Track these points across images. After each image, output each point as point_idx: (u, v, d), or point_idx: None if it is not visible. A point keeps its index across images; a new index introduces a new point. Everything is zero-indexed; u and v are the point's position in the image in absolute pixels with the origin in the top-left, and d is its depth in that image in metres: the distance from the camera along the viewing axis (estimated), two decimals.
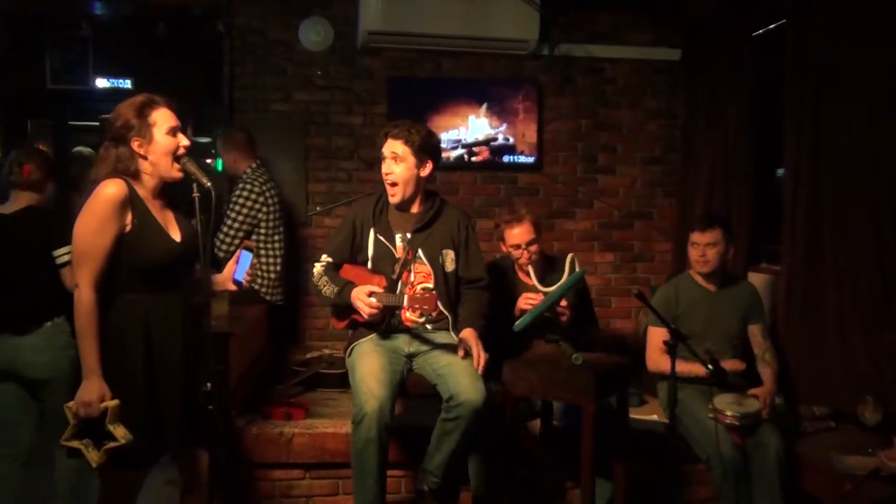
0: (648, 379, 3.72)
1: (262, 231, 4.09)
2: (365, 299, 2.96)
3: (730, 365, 3.32)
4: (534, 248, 3.43)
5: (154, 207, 2.39)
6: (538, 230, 3.48)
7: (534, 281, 3.33)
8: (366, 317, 3.00)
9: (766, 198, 4.39)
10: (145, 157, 2.36)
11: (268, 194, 4.08)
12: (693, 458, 3.38)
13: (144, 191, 2.38)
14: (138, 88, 5.45)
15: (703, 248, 3.43)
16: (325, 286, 3.09)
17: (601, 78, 4.97)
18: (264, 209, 4.06)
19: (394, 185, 3.09)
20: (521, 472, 3.25)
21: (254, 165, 4.16)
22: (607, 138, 5.00)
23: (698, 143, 4.71)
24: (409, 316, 3.12)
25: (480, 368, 2.93)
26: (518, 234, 3.43)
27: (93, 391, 2.22)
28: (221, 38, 4.64)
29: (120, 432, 2.23)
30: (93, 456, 2.26)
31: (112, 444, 2.24)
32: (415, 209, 3.19)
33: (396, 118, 3.34)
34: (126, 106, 2.37)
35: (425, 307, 2.90)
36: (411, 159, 3.07)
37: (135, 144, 2.34)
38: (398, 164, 3.07)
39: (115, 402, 2.24)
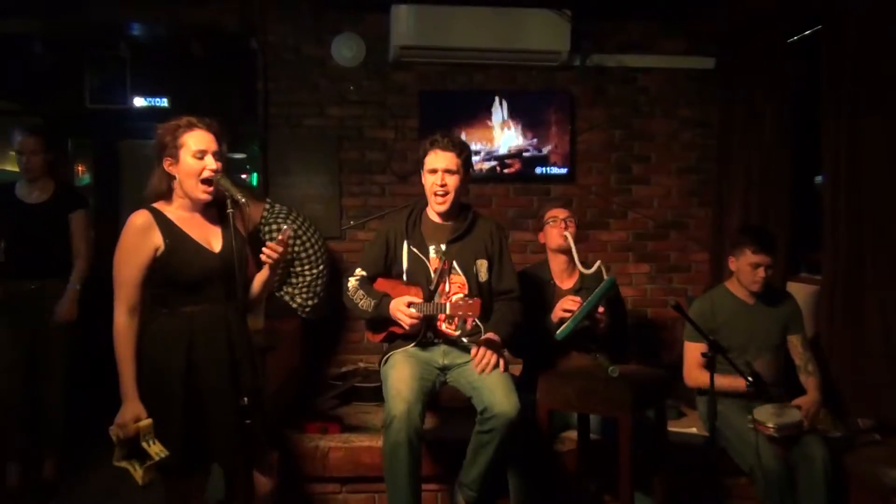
0: (687, 391, 3.67)
1: (303, 257, 4.11)
2: (405, 310, 2.97)
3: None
4: (572, 226, 3.48)
5: (190, 223, 2.49)
6: (576, 218, 3.57)
7: (573, 252, 3.36)
8: (406, 328, 3.00)
9: (805, 206, 4.32)
10: (174, 177, 2.46)
11: (295, 226, 4.06)
12: (735, 471, 3.32)
13: (180, 209, 2.49)
14: (175, 106, 5.58)
15: (765, 269, 3.39)
16: (361, 300, 3.10)
17: (634, 87, 4.94)
18: (297, 242, 4.06)
19: (446, 194, 3.11)
20: (559, 486, 3.22)
21: (268, 207, 4.14)
22: (641, 148, 4.96)
23: (734, 152, 4.65)
24: (444, 328, 3.12)
25: (485, 368, 2.96)
26: (560, 211, 3.52)
27: (126, 413, 2.33)
28: (255, 56, 4.70)
29: (154, 449, 2.29)
30: (138, 475, 2.31)
31: (150, 462, 2.29)
32: (449, 221, 3.20)
33: (428, 131, 3.36)
34: (164, 127, 2.47)
35: (469, 312, 2.89)
36: (462, 171, 3.13)
37: (166, 164, 2.45)
38: (452, 176, 3.10)
39: (148, 421, 2.32)
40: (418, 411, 2.87)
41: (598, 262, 3.34)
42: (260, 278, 2.60)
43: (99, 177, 6.53)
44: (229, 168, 2.66)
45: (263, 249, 2.43)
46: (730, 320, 3.46)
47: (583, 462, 3.30)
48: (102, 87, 5.42)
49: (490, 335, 3.07)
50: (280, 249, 2.43)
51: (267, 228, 4.00)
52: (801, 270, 4.37)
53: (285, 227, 2.45)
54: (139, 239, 2.40)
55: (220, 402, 2.41)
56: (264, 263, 2.48)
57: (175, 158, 2.43)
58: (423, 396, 2.95)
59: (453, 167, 3.09)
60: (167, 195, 2.49)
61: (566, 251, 3.47)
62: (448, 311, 2.97)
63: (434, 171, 3.11)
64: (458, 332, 3.10)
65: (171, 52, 5.22)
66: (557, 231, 3.49)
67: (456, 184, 3.11)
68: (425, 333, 3.12)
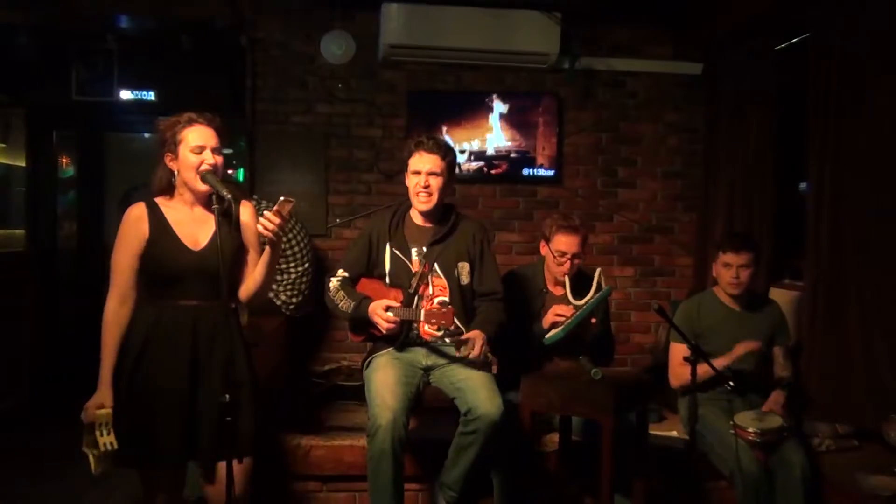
0: (668, 394, 3.69)
1: (289, 254, 4.11)
2: (382, 314, 2.97)
3: (743, 347, 3.29)
4: (577, 261, 3.38)
5: (184, 219, 2.51)
6: (584, 245, 3.43)
7: (566, 292, 3.29)
8: (383, 331, 3.00)
9: (789, 212, 4.35)
10: (174, 172, 2.50)
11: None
12: (714, 475, 3.35)
13: (179, 203, 2.53)
14: (161, 100, 5.55)
15: (737, 269, 3.39)
16: (341, 301, 3.10)
17: (622, 91, 4.96)
18: (284, 238, 4.05)
19: (430, 195, 3.11)
20: (541, 487, 3.23)
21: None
22: (628, 152, 4.99)
23: (720, 158, 4.69)
24: (426, 329, 3.12)
25: (474, 353, 2.94)
26: (569, 243, 3.36)
27: (94, 399, 2.40)
28: (244, 52, 4.69)
29: (103, 440, 2.34)
30: (92, 464, 2.38)
31: (100, 452, 2.35)
32: (432, 223, 3.20)
33: (416, 131, 3.36)
34: (165, 123, 2.51)
35: (443, 322, 2.90)
36: (446, 174, 3.13)
37: (167, 159, 2.50)
38: (435, 178, 3.10)
39: (106, 411, 2.37)
40: (403, 420, 2.86)
41: (598, 270, 3.31)
42: (263, 259, 2.54)
43: (83, 169, 6.48)
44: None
45: (260, 220, 2.40)
46: (715, 325, 3.47)
47: (564, 463, 3.31)
48: (89, 80, 5.38)
49: (474, 332, 3.03)
50: (277, 220, 2.37)
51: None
52: (784, 276, 4.40)
53: (282, 197, 2.41)
54: (131, 229, 2.46)
55: (169, 398, 2.41)
56: (262, 236, 2.44)
57: (174, 154, 2.48)
58: (408, 402, 2.94)
59: (437, 169, 3.09)
60: (168, 190, 2.54)
61: (561, 283, 3.41)
62: (422, 319, 2.98)
63: (418, 173, 3.11)
64: (440, 333, 3.10)
65: (160, 45, 5.20)
66: (561, 270, 3.37)
67: (439, 186, 3.10)
68: (406, 335, 3.12)
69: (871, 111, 3.47)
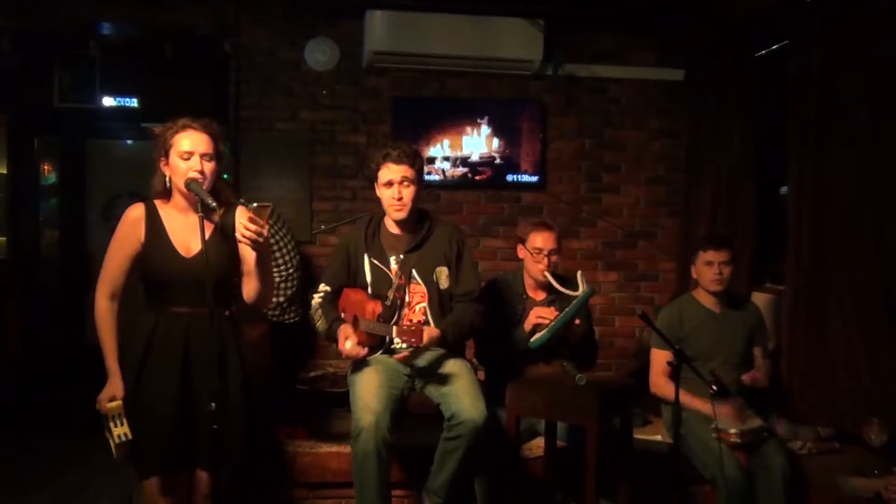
0: (653, 399, 3.71)
1: (277, 256, 4.10)
2: (342, 341, 2.95)
3: (749, 378, 3.37)
4: (554, 258, 3.41)
5: (180, 223, 2.53)
6: (560, 243, 3.47)
7: (555, 284, 3.31)
8: (342, 356, 3.02)
9: (771, 217, 4.39)
10: (168, 176, 2.51)
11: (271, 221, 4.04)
12: (698, 479, 3.36)
13: (175, 208, 2.54)
14: (144, 107, 5.53)
15: (719, 266, 3.43)
16: (318, 320, 3.12)
17: (605, 98, 4.99)
18: (271, 242, 4.05)
19: (404, 205, 3.10)
20: (526, 493, 3.24)
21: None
22: (611, 158, 5.02)
23: (702, 163, 4.72)
24: (397, 344, 3.11)
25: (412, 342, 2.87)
26: (544, 239, 3.39)
27: (105, 391, 2.45)
28: (228, 58, 4.68)
29: (117, 431, 2.38)
30: (112, 448, 2.42)
31: (115, 442, 2.39)
32: (408, 230, 3.21)
33: (401, 137, 3.37)
34: (160, 128, 2.54)
35: (412, 340, 2.88)
36: (417, 180, 3.12)
37: (161, 164, 2.52)
38: (408, 188, 3.08)
39: (117, 402, 2.42)
40: (386, 422, 2.86)
41: (578, 273, 3.33)
42: (252, 266, 2.51)
43: (65, 176, 6.45)
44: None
45: (237, 227, 2.38)
46: (696, 328, 3.50)
47: (549, 469, 3.32)
48: (71, 86, 5.37)
49: (433, 330, 3.00)
50: (253, 227, 2.33)
51: None
52: (766, 280, 4.44)
53: (255, 203, 2.38)
54: (129, 230, 2.50)
55: (162, 404, 2.43)
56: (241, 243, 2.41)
57: (168, 158, 2.49)
58: (392, 405, 2.94)
59: (409, 176, 3.08)
60: (165, 194, 2.55)
61: (544, 286, 3.45)
62: (394, 335, 2.99)
63: (390, 185, 3.08)
64: (409, 350, 3.07)
65: (143, 52, 5.18)
66: (539, 268, 3.39)
67: (412, 194, 3.09)
68: (390, 345, 3.12)
69: (851, 116, 3.52)
